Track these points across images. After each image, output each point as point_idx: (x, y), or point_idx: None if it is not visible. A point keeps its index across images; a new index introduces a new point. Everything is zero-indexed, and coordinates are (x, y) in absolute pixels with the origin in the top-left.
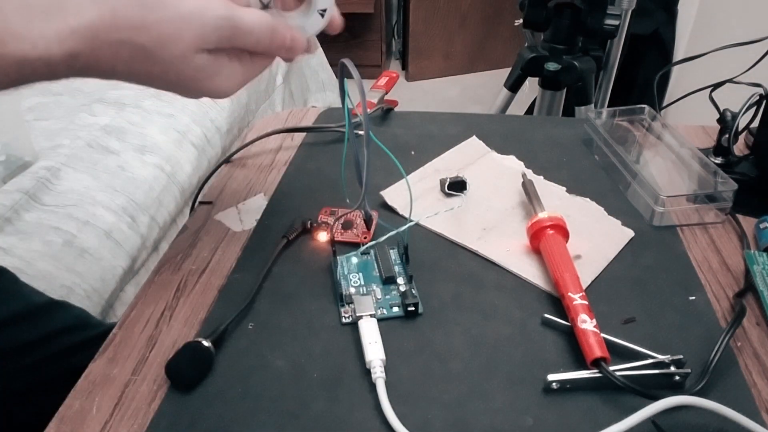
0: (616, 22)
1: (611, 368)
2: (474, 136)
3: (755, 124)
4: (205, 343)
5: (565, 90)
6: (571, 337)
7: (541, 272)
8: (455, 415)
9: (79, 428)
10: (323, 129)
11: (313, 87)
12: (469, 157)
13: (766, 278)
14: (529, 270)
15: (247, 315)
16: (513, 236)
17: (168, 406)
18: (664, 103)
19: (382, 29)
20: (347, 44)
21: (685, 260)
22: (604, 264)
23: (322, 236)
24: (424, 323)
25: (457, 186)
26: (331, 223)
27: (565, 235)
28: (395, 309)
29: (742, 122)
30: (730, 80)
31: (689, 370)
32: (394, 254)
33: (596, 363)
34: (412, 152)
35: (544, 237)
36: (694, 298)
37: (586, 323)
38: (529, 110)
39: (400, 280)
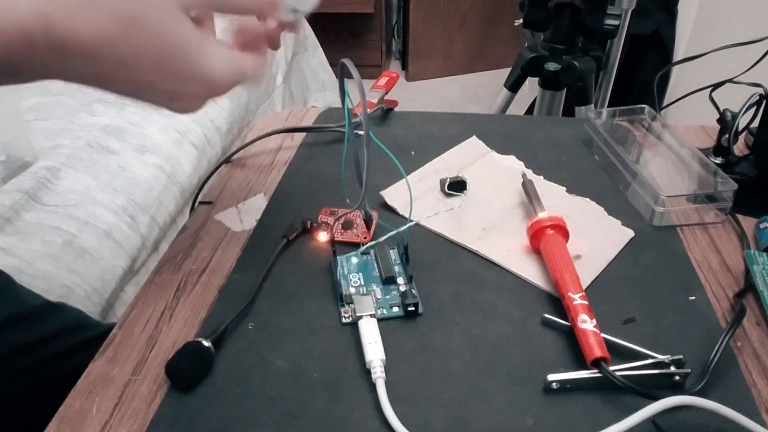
0: (616, 22)
1: (611, 368)
2: (474, 136)
3: (755, 124)
4: (205, 343)
5: (565, 90)
6: (571, 337)
7: (541, 272)
8: (455, 415)
9: (79, 428)
10: (323, 129)
11: (313, 87)
12: (469, 157)
13: (766, 278)
14: (529, 270)
15: (247, 315)
16: (513, 236)
17: (168, 406)
18: (664, 103)
19: (382, 29)
20: (347, 44)
21: (685, 260)
22: (604, 264)
23: (322, 236)
24: (424, 323)
25: (457, 186)
26: (331, 223)
27: (565, 235)
28: (395, 309)
29: (742, 122)
30: (730, 80)
31: (689, 370)
32: (394, 254)
33: (596, 363)
34: (412, 152)
35: (544, 237)
36: (694, 298)
37: (586, 323)
38: (529, 110)
39: (400, 280)
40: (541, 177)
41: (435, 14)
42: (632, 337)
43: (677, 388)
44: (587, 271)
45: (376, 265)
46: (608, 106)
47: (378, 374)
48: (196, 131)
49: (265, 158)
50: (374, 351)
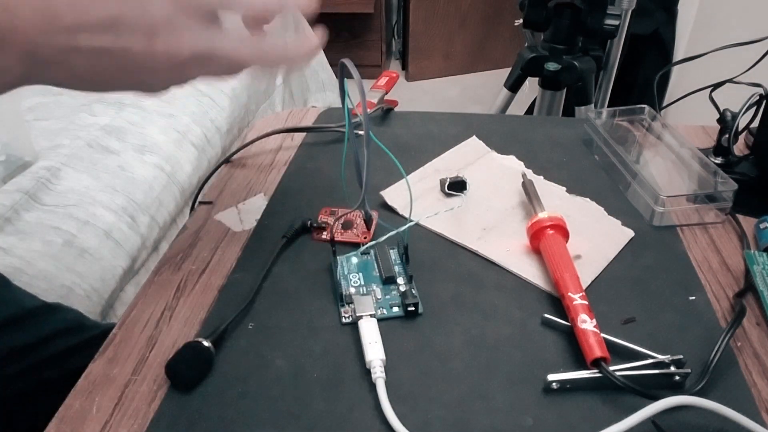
0: (616, 22)
1: (611, 368)
2: (474, 136)
3: (755, 124)
4: (205, 343)
5: (565, 90)
6: (571, 337)
7: (541, 272)
8: (455, 415)
9: (79, 428)
10: (323, 129)
11: (313, 87)
12: (469, 157)
13: (766, 278)
14: (529, 270)
15: (247, 315)
16: (513, 236)
17: (168, 406)
18: (664, 103)
19: (382, 29)
20: (347, 44)
21: (685, 260)
22: (604, 264)
23: (322, 236)
24: (424, 323)
25: (457, 186)
26: (331, 223)
27: (565, 235)
28: (395, 309)
29: (742, 122)
30: (730, 80)
31: (689, 370)
32: (394, 254)
33: (596, 363)
34: (412, 152)
35: (544, 237)
36: (694, 298)
37: (586, 323)
38: (529, 110)
39: (400, 280)
40: (541, 177)
41: (435, 14)
42: (632, 337)
43: (677, 388)
44: (587, 271)
45: (376, 265)
46: (608, 106)
47: (378, 374)
48: (196, 131)
49: (265, 158)
50: (374, 351)
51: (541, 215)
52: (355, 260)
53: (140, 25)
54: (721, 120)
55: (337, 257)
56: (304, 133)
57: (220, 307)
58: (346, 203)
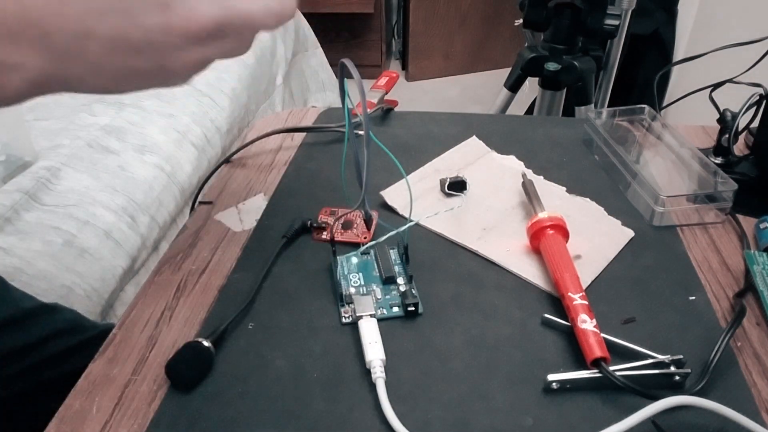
0: (616, 22)
1: (611, 368)
2: (474, 136)
3: (755, 124)
4: (205, 343)
5: (565, 90)
6: (571, 337)
7: (541, 272)
8: (455, 415)
9: (79, 428)
10: (323, 129)
11: (313, 87)
12: (469, 157)
13: (766, 278)
14: (529, 270)
15: (247, 315)
16: (513, 236)
17: (168, 406)
18: (664, 103)
19: (382, 29)
20: (347, 44)
21: (685, 260)
22: (604, 264)
23: (322, 236)
24: (424, 323)
25: (457, 186)
26: (331, 223)
27: (565, 235)
28: (395, 309)
29: (742, 122)
30: (730, 80)
31: (689, 370)
32: (394, 254)
33: (596, 363)
34: (412, 152)
35: (544, 237)
36: (694, 298)
37: (586, 323)
38: (529, 110)
39: (400, 280)
40: (541, 177)
41: (435, 14)
42: (632, 337)
43: (677, 388)
44: (587, 271)
45: (376, 265)
46: (608, 106)
47: (378, 374)
48: (196, 131)
49: (265, 158)
50: (374, 351)
51: (541, 215)
52: (355, 260)
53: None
54: (721, 120)
55: (337, 257)
56: (304, 133)
57: (220, 307)
58: (346, 203)
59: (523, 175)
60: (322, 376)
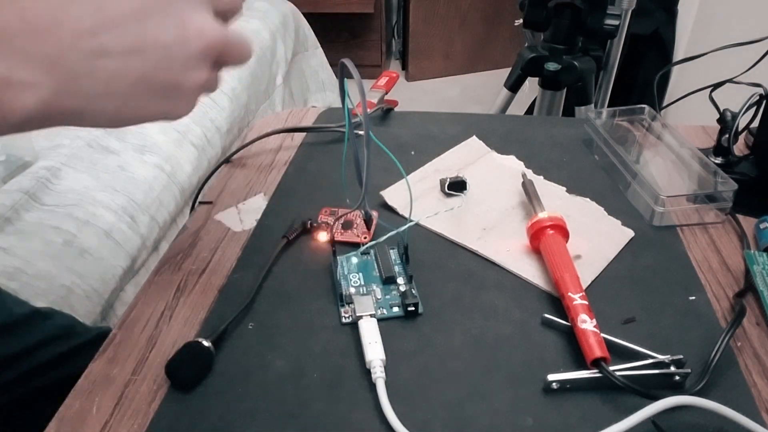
0: (616, 22)
1: (611, 368)
2: (474, 136)
3: (755, 124)
4: (205, 343)
5: (565, 90)
6: (571, 337)
7: (541, 272)
8: (455, 415)
9: (79, 428)
10: (323, 129)
11: (313, 87)
12: (469, 157)
13: (766, 278)
14: (529, 270)
15: (247, 315)
16: (513, 236)
17: (168, 406)
18: (664, 103)
19: (382, 29)
20: (347, 44)
21: (685, 260)
22: (604, 264)
23: (322, 236)
24: (424, 323)
25: (457, 186)
26: (331, 223)
27: (565, 235)
28: (395, 309)
29: (742, 122)
30: (730, 80)
31: (689, 370)
32: (394, 254)
33: (596, 363)
34: (412, 152)
35: (544, 237)
36: (694, 298)
37: (586, 323)
38: (529, 110)
39: (400, 280)
40: (541, 177)
41: (435, 14)
42: (632, 337)
43: (677, 388)
44: (587, 271)
45: (376, 265)
46: (608, 106)
47: (378, 374)
48: (196, 131)
49: (265, 158)
50: (374, 351)
51: (541, 215)
52: (355, 260)
53: (167, 14)
54: (721, 120)
55: (337, 257)
56: (304, 133)
57: (220, 307)
58: (346, 203)
59: (523, 175)
60: (322, 376)
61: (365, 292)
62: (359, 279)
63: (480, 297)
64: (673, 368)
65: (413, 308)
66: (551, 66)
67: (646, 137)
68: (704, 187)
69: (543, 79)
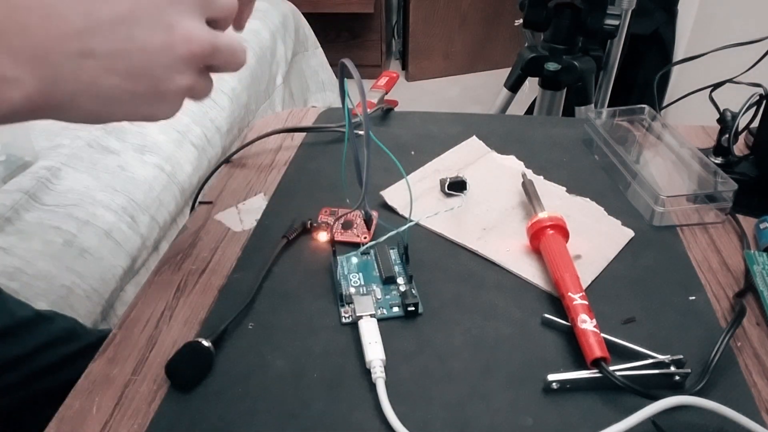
0: (616, 22)
1: (611, 368)
2: (474, 136)
3: (755, 124)
4: (205, 343)
5: (565, 90)
6: (571, 337)
7: (541, 272)
8: (455, 415)
9: (79, 428)
10: (323, 129)
11: (313, 87)
12: (469, 157)
13: (766, 278)
14: (529, 270)
15: (247, 315)
16: (513, 236)
17: (168, 406)
18: (664, 103)
19: (382, 29)
20: (347, 44)
21: (685, 260)
22: (604, 264)
23: (322, 236)
24: (424, 323)
25: (457, 186)
26: (331, 223)
27: (565, 235)
28: (395, 309)
29: (742, 122)
30: (730, 80)
31: (689, 370)
32: (394, 254)
33: (596, 363)
34: (412, 152)
35: (544, 237)
36: (694, 298)
37: (586, 323)
38: (529, 110)
39: (400, 280)
40: (541, 177)
41: (435, 14)
42: (632, 337)
43: (677, 388)
44: (587, 271)
45: (376, 265)
46: (608, 106)
47: (378, 374)
48: (196, 131)
49: (265, 158)
50: (374, 351)
51: (541, 215)
52: (355, 260)
53: (155, 20)
54: (721, 120)
55: (337, 257)
56: (304, 133)
57: (220, 307)
58: (346, 203)
59: (523, 175)
60: (322, 376)
61: (365, 292)
62: (359, 279)
63: (480, 297)
64: (673, 368)
65: (413, 308)
66: (551, 66)
67: (646, 137)
68: (704, 187)
69: (543, 79)
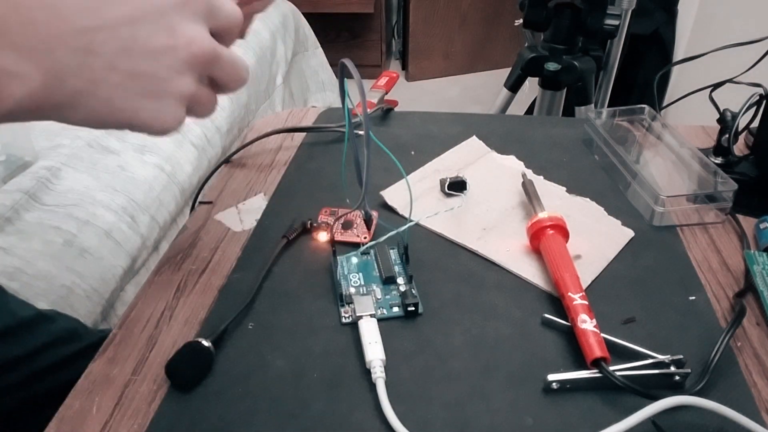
0: (616, 22)
1: (611, 368)
2: (474, 136)
3: (755, 124)
4: (205, 343)
5: (565, 90)
6: (571, 337)
7: (541, 272)
8: (455, 415)
9: (79, 428)
10: (323, 129)
11: (313, 87)
12: (469, 157)
13: (766, 278)
14: (529, 270)
15: (247, 315)
16: (513, 236)
17: (168, 406)
18: (664, 103)
19: (382, 29)
20: (347, 44)
21: (685, 260)
22: (604, 264)
23: (322, 236)
24: (424, 323)
25: (457, 186)
26: (331, 223)
27: (565, 235)
28: (395, 309)
29: (742, 122)
30: (730, 80)
31: (689, 370)
32: (394, 254)
33: (596, 363)
34: (412, 152)
35: (544, 237)
36: (694, 298)
37: (586, 323)
38: (529, 110)
39: (400, 280)
40: (541, 177)
41: (435, 14)
42: (632, 337)
43: (677, 388)
44: (587, 271)
45: (376, 265)
46: (608, 106)
47: (378, 374)
48: (196, 131)
49: (265, 158)
50: (374, 351)
51: (541, 215)
52: (355, 260)
53: (159, 22)
54: (721, 120)
55: (337, 257)
56: (304, 133)
57: (220, 307)
58: (346, 203)
59: (523, 175)
60: (322, 376)
61: (365, 292)
62: (359, 279)
63: (480, 297)
64: (673, 368)
65: (413, 308)
66: (551, 66)
67: (646, 137)
68: (704, 187)
69: (543, 79)
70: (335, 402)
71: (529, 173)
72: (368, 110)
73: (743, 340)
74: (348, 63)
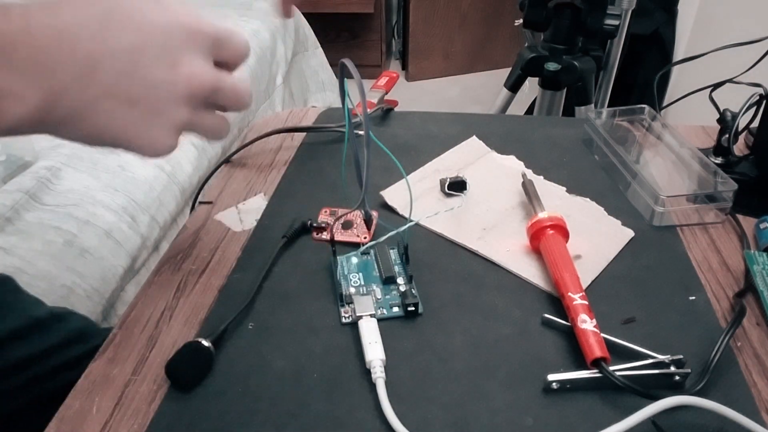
0: (616, 22)
1: (611, 368)
2: (474, 136)
3: (755, 124)
4: (205, 343)
5: (565, 90)
6: (571, 337)
7: (541, 272)
8: (455, 415)
9: (79, 428)
10: (323, 129)
11: (313, 87)
12: (469, 157)
13: (766, 278)
14: (529, 270)
15: (247, 315)
16: (513, 236)
17: (168, 406)
18: (664, 103)
19: (382, 29)
20: (347, 44)
21: (685, 260)
22: (604, 264)
23: (322, 236)
24: (424, 323)
25: (457, 186)
26: (331, 223)
27: (565, 235)
28: (395, 309)
29: (742, 122)
30: (730, 80)
31: (689, 370)
32: (394, 254)
33: (596, 363)
34: (412, 152)
35: (544, 237)
36: (694, 298)
37: (586, 323)
38: (529, 110)
39: (400, 280)
40: (541, 177)
41: (435, 14)
42: (632, 337)
43: (677, 388)
44: (587, 271)
45: (376, 265)
46: (608, 106)
47: (378, 374)
48: None
49: (265, 158)
50: (374, 351)
51: (541, 215)
52: (355, 260)
53: (163, 55)
54: (721, 120)
55: (337, 257)
56: (304, 133)
57: (220, 307)
58: (346, 203)
59: (523, 175)
60: (322, 376)
61: (365, 292)
62: (359, 279)
63: (480, 297)
64: (673, 368)
65: (413, 308)
66: (551, 66)
67: (646, 137)
68: (704, 187)
69: (543, 79)
70: (335, 402)
71: (529, 173)
72: (368, 110)
73: (743, 340)
74: (348, 63)
